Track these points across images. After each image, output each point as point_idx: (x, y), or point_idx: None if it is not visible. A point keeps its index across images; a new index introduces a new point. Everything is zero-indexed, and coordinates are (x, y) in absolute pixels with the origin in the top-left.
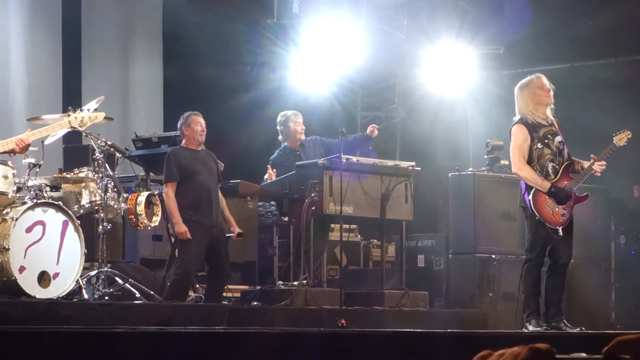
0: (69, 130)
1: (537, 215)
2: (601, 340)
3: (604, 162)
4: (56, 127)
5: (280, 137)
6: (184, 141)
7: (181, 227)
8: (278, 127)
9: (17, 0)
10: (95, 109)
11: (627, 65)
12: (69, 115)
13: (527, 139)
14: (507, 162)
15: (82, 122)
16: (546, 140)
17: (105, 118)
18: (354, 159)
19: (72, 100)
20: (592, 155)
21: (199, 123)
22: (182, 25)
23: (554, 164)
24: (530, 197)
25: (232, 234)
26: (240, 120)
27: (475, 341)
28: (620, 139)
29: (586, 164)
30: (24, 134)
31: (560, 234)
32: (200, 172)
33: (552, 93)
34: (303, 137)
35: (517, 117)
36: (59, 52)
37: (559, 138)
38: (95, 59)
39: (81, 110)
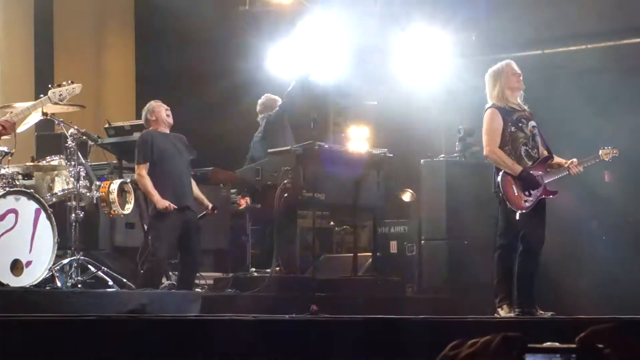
0: (42, 117)
1: (502, 193)
2: (573, 325)
3: (582, 169)
4: (37, 104)
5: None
6: (152, 127)
7: (162, 203)
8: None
9: None
10: (66, 84)
11: (600, 52)
12: (48, 92)
13: (500, 123)
14: (478, 149)
15: (61, 97)
16: (520, 124)
17: (79, 106)
18: (327, 145)
19: (44, 87)
20: (574, 159)
21: (162, 106)
22: (155, 12)
23: (527, 148)
24: (500, 177)
25: (208, 211)
26: (213, 108)
27: (447, 327)
28: (607, 154)
29: (563, 162)
30: (6, 115)
31: (517, 217)
32: (172, 155)
33: (521, 78)
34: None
35: (489, 103)
36: (30, 39)
37: (532, 123)
38: (68, 45)
39: (57, 85)
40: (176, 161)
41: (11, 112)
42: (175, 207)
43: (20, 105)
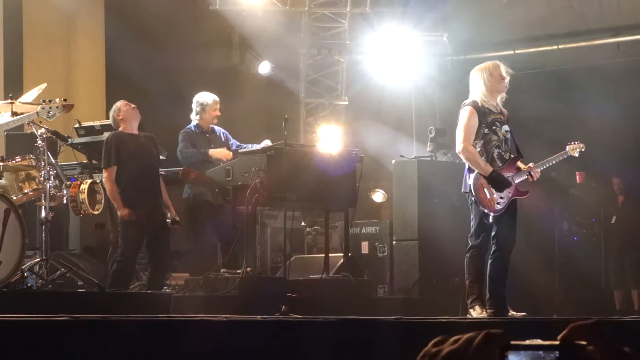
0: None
1: (474, 195)
2: (545, 325)
3: (539, 171)
4: (24, 118)
5: (193, 115)
6: (121, 127)
7: (123, 210)
8: (194, 106)
9: None
10: (57, 101)
11: (569, 52)
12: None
13: (476, 122)
14: (450, 150)
15: (50, 114)
16: (494, 127)
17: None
18: (298, 145)
19: (13, 86)
20: (531, 164)
21: (128, 105)
22: (125, 9)
23: (500, 151)
24: (472, 179)
25: (169, 224)
26: (184, 105)
27: (419, 327)
28: (574, 149)
29: (523, 166)
30: None
31: (490, 220)
32: (140, 157)
33: (506, 82)
34: (216, 121)
35: (467, 100)
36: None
37: (506, 127)
38: (37, 43)
39: (50, 102)
40: (144, 163)
41: None
42: (134, 218)
43: (3, 120)
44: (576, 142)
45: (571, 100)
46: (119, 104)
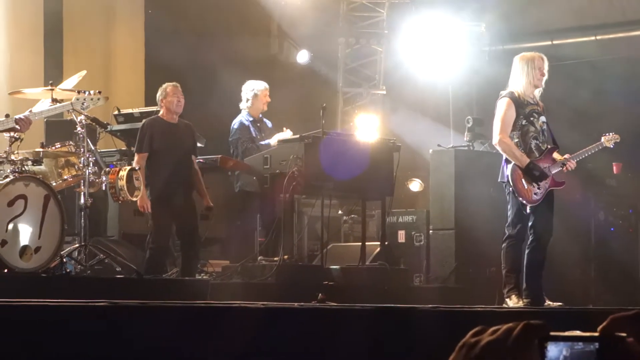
0: (51, 104)
1: (512, 185)
2: (581, 315)
3: (574, 162)
4: (58, 108)
5: (243, 104)
6: (161, 112)
7: (142, 200)
8: (245, 95)
9: None
10: (92, 94)
11: (608, 43)
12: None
13: (513, 114)
14: (487, 139)
15: (84, 106)
16: (531, 118)
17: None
18: (335, 134)
19: (53, 73)
20: (567, 155)
21: (176, 94)
22: None
23: (538, 142)
24: (509, 170)
25: (202, 210)
26: (223, 94)
27: (455, 316)
28: (609, 140)
29: (560, 157)
30: (25, 113)
31: (528, 211)
32: (173, 146)
33: (545, 78)
34: (266, 108)
35: (505, 91)
36: (40, 25)
37: (543, 118)
38: (77, 31)
39: (84, 92)
40: (177, 152)
41: (31, 111)
42: (149, 210)
43: (28, 92)
44: (611, 134)
45: (608, 92)
46: (169, 89)
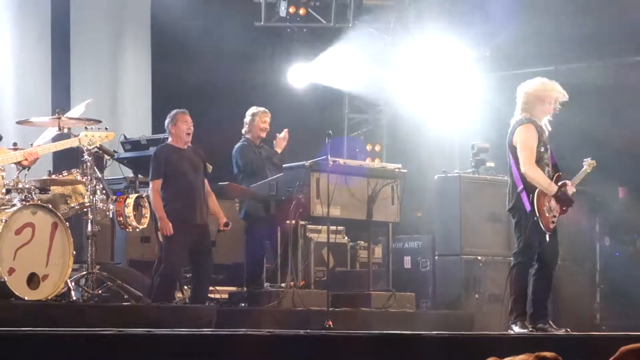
0: (58, 132)
1: (537, 216)
2: (586, 341)
3: (574, 189)
4: (65, 144)
5: (244, 130)
6: (170, 139)
7: (163, 223)
8: (245, 120)
9: (6, 0)
10: (102, 127)
11: (612, 68)
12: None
13: (536, 139)
14: (492, 164)
15: (92, 141)
16: (547, 146)
17: (95, 120)
18: (341, 161)
19: (61, 101)
20: (566, 181)
21: (185, 122)
22: (171, 26)
23: (549, 170)
24: (535, 197)
25: (220, 227)
26: (228, 121)
27: (461, 343)
28: (590, 164)
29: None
30: (32, 147)
31: (547, 239)
32: (186, 171)
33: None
34: (264, 135)
35: (523, 117)
36: (48, 54)
37: (549, 146)
38: (84, 60)
39: (92, 129)
40: (190, 178)
41: (38, 146)
42: (172, 232)
43: (36, 120)
44: (590, 159)
45: (611, 116)
46: (178, 116)
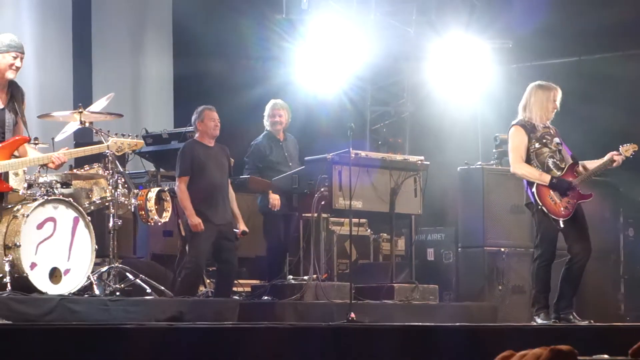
0: (80, 126)
1: (541, 204)
2: (610, 332)
3: (622, 157)
4: (94, 149)
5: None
6: (197, 135)
7: (194, 219)
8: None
9: None
10: (130, 139)
11: (634, 59)
12: (110, 139)
13: (524, 140)
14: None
15: (120, 148)
16: (544, 140)
17: (117, 114)
18: (363, 154)
19: (82, 96)
20: (613, 152)
21: (213, 119)
22: (192, 20)
23: (555, 160)
24: (534, 189)
25: (237, 231)
26: (249, 115)
27: (484, 334)
28: (627, 150)
29: (590, 164)
30: (60, 151)
31: (562, 225)
32: (212, 169)
33: (557, 110)
34: (279, 128)
35: (515, 120)
36: (69, 48)
37: (557, 140)
38: (106, 54)
39: (119, 136)
40: (215, 175)
41: (67, 149)
42: (203, 228)
43: (57, 115)
44: (628, 144)
45: (634, 107)
46: (205, 112)
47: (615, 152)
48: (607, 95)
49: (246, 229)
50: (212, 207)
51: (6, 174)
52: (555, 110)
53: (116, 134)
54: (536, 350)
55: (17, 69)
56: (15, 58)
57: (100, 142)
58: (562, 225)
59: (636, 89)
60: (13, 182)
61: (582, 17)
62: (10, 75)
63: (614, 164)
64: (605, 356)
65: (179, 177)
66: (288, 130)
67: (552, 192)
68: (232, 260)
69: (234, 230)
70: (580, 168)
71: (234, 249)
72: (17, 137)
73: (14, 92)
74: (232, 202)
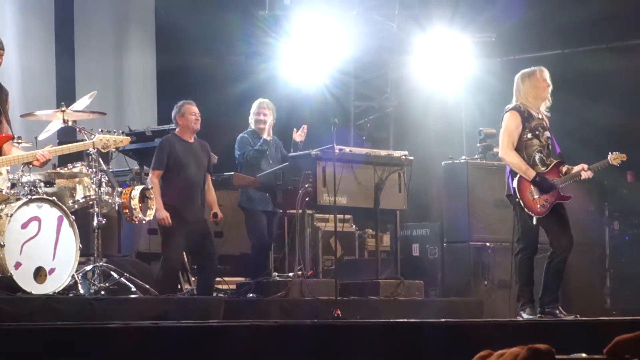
0: (63, 125)
1: (518, 197)
2: (596, 327)
3: (592, 173)
4: (79, 146)
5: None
6: (177, 129)
7: (162, 213)
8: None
9: None
10: (116, 136)
11: (618, 52)
12: (95, 136)
13: (519, 127)
14: (498, 150)
15: (106, 145)
16: (537, 132)
17: (100, 113)
18: (347, 149)
19: (65, 93)
20: (583, 165)
21: (193, 113)
22: (175, 15)
23: (542, 155)
24: (515, 182)
25: (210, 217)
26: (233, 110)
27: (470, 330)
28: (615, 158)
29: (573, 169)
30: (45, 149)
31: (534, 222)
32: (189, 165)
33: (550, 89)
34: (262, 126)
35: (511, 105)
36: (51, 46)
37: (547, 133)
38: (89, 51)
39: (107, 132)
40: (192, 172)
41: (51, 146)
42: (170, 222)
43: (40, 113)
44: (617, 153)
45: (618, 101)
46: (185, 107)
47: (585, 167)
48: (590, 88)
49: (217, 212)
50: (187, 204)
51: None
52: (550, 89)
53: (101, 131)
54: (514, 349)
55: None
56: None
57: (82, 139)
58: (534, 222)
59: (619, 82)
60: None
61: (564, 10)
62: None
63: (581, 178)
64: (583, 355)
65: (152, 170)
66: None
67: (532, 187)
68: (211, 256)
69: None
70: (565, 168)
71: (211, 245)
72: (1, 135)
73: None
74: (210, 194)
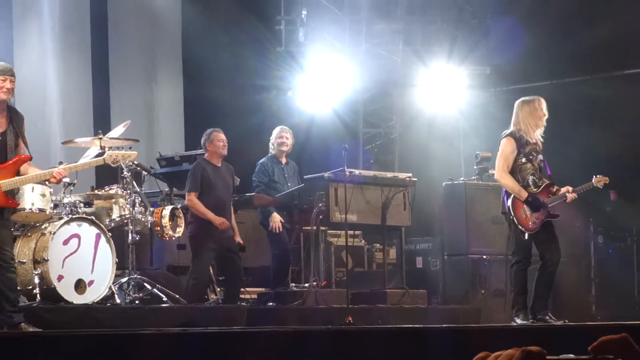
0: (100, 151)
1: (513, 215)
2: (583, 331)
3: (576, 195)
4: (92, 163)
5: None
6: (206, 155)
7: (218, 219)
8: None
9: (50, 29)
10: (124, 152)
11: (601, 82)
12: (104, 151)
13: (514, 152)
14: (494, 172)
15: (115, 160)
16: (530, 157)
17: (133, 140)
18: (357, 171)
19: (102, 122)
20: (569, 187)
21: (221, 140)
22: (200, 53)
23: (534, 177)
24: (510, 201)
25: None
26: (252, 137)
27: (469, 334)
28: (599, 181)
29: (561, 190)
30: (60, 167)
31: (526, 237)
32: (218, 187)
33: (545, 118)
34: (284, 149)
35: (508, 130)
36: (89, 79)
37: (540, 157)
38: (123, 84)
39: (116, 149)
40: (221, 193)
41: (66, 164)
42: (228, 225)
43: (80, 141)
44: (600, 175)
45: (604, 127)
46: (214, 134)
47: (570, 189)
48: (578, 116)
49: (242, 243)
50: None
51: (11, 190)
52: (545, 118)
53: (110, 148)
54: (509, 352)
55: (8, 90)
56: (4, 81)
57: (118, 164)
58: (526, 237)
59: (606, 110)
60: (41, 202)
61: (553, 44)
62: (2, 96)
63: (567, 200)
64: (571, 355)
65: (188, 192)
66: (290, 154)
67: (525, 206)
68: (237, 269)
69: (238, 242)
70: (555, 189)
71: (238, 259)
72: (20, 157)
73: (13, 116)
74: (232, 219)
